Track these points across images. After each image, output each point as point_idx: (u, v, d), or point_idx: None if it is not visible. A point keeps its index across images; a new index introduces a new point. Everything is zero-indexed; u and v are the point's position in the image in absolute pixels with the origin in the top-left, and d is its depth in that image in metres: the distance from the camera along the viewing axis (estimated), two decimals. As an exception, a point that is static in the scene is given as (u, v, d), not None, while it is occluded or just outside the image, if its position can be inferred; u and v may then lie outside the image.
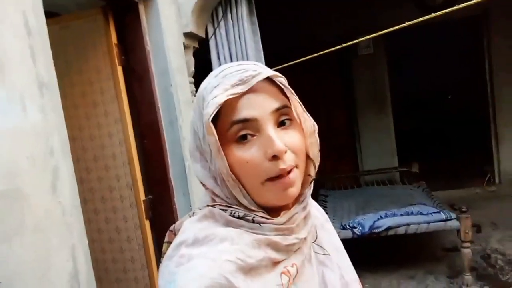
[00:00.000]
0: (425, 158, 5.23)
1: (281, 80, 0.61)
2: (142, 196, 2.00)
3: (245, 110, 0.58)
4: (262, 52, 2.52)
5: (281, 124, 0.60)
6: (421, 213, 3.00)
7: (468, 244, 2.84)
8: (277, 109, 0.59)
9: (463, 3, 1.81)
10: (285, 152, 0.58)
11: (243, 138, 0.58)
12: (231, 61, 2.46)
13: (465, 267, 2.87)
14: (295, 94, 0.62)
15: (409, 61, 6.64)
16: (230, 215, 0.60)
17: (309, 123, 0.63)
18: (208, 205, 0.62)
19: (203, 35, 2.44)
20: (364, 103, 5.19)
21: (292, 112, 0.61)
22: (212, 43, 2.48)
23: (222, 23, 2.45)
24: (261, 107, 0.58)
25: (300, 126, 0.62)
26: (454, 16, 4.27)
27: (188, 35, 2.23)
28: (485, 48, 4.89)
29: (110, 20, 1.95)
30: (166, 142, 2.00)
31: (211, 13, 2.44)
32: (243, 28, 2.43)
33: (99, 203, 2.10)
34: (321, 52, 2.41)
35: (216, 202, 0.62)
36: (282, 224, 0.60)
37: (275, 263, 0.59)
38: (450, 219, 2.93)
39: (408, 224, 2.94)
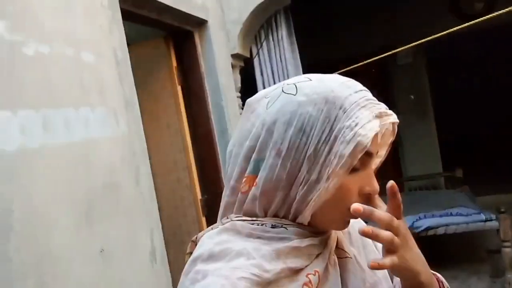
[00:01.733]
0: (471, 164, 5.23)
1: (396, 128, 0.62)
2: (199, 196, 2.33)
3: (371, 145, 0.55)
4: (300, 68, 2.80)
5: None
6: (461, 214, 3.11)
7: (508, 244, 2.91)
8: (376, 152, 0.60)
9: (500, 9, 1.90)
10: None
11: (356, 169, 0.56)
12: (273, 78, 2.76)
13: (507, 266, 2.93)
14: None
15: (453, 68, 6.63)
16: (256, 225, 0.58)
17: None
18: (232, 220, 0.60)
19: (248, 55, 2.77)
20: (405, 111, 5.29)
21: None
22: (256, 62, 2.80)
23: (264, 44, 2.77)
24: (375, 145, 0.58)
25: None
26: (494, 23, 4.34)
27: (235, 56, 2.56)
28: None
29: (170, 47, 2.32)
30: (218, 148, 2.32)
31: (254, 35, 2.77)
32: (283, 48, 2.73)
33: (162, 202, 2.44)
34: (362, 63, 2.62)
35: (243, 210, 0.60)
36: (307, 231, 0.59)
37: (297, 271, 0.57)
38: (490, 220, 3.02)
39: (447, 225, 3.06)
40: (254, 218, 0.59)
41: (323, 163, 0.54)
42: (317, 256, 0.59)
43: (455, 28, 1.90)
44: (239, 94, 2.70)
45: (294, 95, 0.58)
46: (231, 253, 0.55)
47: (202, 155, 2.34)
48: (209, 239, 0.59)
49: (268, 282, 0.54)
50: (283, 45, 2.75)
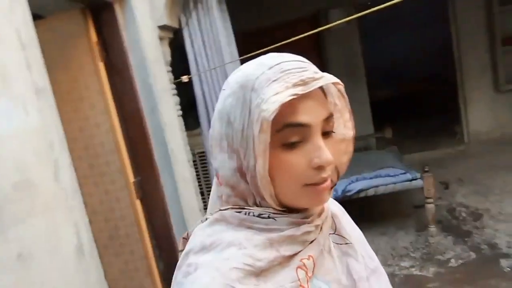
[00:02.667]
0: (399, 124, 5.53)
1: (341, 88, 0.60)
2: (132, 178, 2.24)
3: (301, 115, 0.54)
4: (233, 37, 2.71)
5: (324, 134, 0.57)
6: (389, 175, 3.29)
7: (431, 200, 3.14)
8: (327, 118, 0.57)
9: None
10: (331, 163, 0.56)
11: (292, 142, 0.55)
12: (204, 48, 2.66)
13: (430, 220, 3.18)
14: (348, 102, 0.62)
15: (380, 32, 6.84)
16: (244, 215, 0.58)
17: (349, 132, 0.63)
18: (220, 209, 0.60)
19: (177, 26, 2.62)
20: (339, 75, 5.37)
21: (333, 120, 0.60)
22: (185, 32, 2.67)
23: (193, 13, 2.63)
24: (315, 113, 0.56)
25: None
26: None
27: (162, 27, 2.41)
28: (450, 15, 5.11)
29: (89, 20, 2.12)
30: (149, 128, 2.22)
31: (182, 4, 2.62)
32: (214, 17, 2.61)
33: (92, 188, 2.32)
34: (296, 37, 2.58)
35: (229, 203, 0.60)
36: (298, 219, 0.59)
37: (290, 257, 0.57)
38: (416, 179, 3.22)
39: (377, 186, 3.24)
40: (241, 206, 0.59)
41: (252, 147, 0.55)
42: (311, 242, 0.59)
43: (395, 1, 1.91)
44: (169, 68, 2.57)
45: (224, 90, 0.60)
46: (222, 244, 0.56)
47: (131, 135, 2.22)
48: (200, 231, 0.60)
49: (261, 270, 0.54)
50: (214, 14, 2.63)
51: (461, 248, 2.97)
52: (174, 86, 2.53)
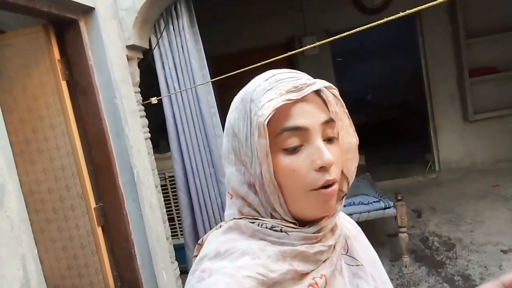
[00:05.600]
0: (371, 151, 5.56)
1: (335, 92, 0.61)
2: (93, 204, 2.09)
3: (298, 118, 0.57)
4: (205, 60, 2.65)
5: (326, 139, 0.59)
6: (363, 203, 3.24)
7: (404, 229, 3.10)
8: (326, 122, 0.59)
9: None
10: (333, 164, 0.57)
11: (293, 147, 0.57)
12: (176, 70, 2.58)
13: (404, 250, 3.13)
14: (345, 107, 0.63)
15: (353, 60, 6.98)
16: (257, 226, 0.59)
17: (352, 139, 0.64)
18: (234, 218, 0.61)
19: (147, 46, 2.55)
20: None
21: (335, 127, 0.61)
22: (156, 53, 2.59)
23: (164, 34, 2.56)
24: (312, 117, 0.58)
25: (338, 141, 0.62)
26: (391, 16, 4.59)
27: (131, 47, 2.33)
28: (420, 46, 5.25)
29: (52, 37, 2.01)
30: (114, 151, 2.10)
31: (153, 25, 2.55)
32: (185, 39, 2.55)
33: (50, 213, 2.16)
34: (270, 60, 2.55)
35: (243, 214, 0.61)
36: (310, 234, 0.59)
37: (303, 275, 0.57)
38: (389, 207, 3.18)
39: (350, 214, 3.15)
40: (255, 216, 0.60)
41: (256, 154, 0.57)
42: (324, 261, 0.60)
43: (365, 27, 1.91)
44: (138, 89, 2.47)
45: (230, 109, 0.64)
46: (237, 252, 0.57)
47: (94, 158, 2.09)
48: (215, 238, 0.61)
49: (274, 282, 0.54)
50: (185, 35, 2.57)
51: (435, 279, 2.92)
52: (142, 108, 2.43)
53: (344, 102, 0.63)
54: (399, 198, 3.13)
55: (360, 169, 4.93)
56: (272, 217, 0.60)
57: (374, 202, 3.25)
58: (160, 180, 3.04)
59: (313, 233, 0.59)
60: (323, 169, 0.56)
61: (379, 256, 0.70)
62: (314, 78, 0.62)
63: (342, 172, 0.63)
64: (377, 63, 7.22)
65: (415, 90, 5.77)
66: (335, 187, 0.58)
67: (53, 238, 2.18)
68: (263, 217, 0.60)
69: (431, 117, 5.34)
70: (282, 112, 0.56)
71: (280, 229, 0.58)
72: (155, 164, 2.49)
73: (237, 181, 0.61)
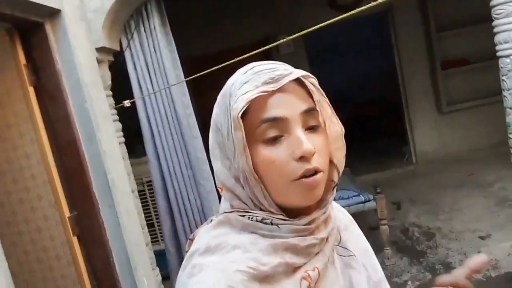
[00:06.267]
0: (349, 146, 5.58)
1: (313, 81, 0.61)
2: (67, 213, 2.02)
3: (275, 109, 0.57)
4: (178, 61, 2.60)
5: (308, 129, 0.59)
6: (343, 198, 3.25)
7: (385, 221, 3.13)
8: (306, 111, 0.58)
9: (368, 2, 1.94)
10: (313, 153, 0.57)
11: (272, 137, 0.57)
12: (148, 72, 2.52)
13: (385, 242, 3.16)
14: (325, 96, 0.62)
15: (327, 57, 7.03)
16: (247, 219, 0.59)
17: (336, 127, 0.63)
18: (225, 212, 0.61)
19: (118, 48, 2.48)
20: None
21: (319, 116, 0.60)
22: (127, 55, 2.53)
23: (135, 35, 2.50)
24: (291, 107, 0.57)
25: (325, 130, 0.61)
26: (363, 13, 4.64)
27: (100, 49, 2.26)
28: (393, 42, 5.32)
29: (16, 41, 1.94)
30: (86, 157, 2.03)
31: (123, 26, 2.49)
32: (157, 39, 2.50)
33: (22, 225, 2.08)
34: (245, 55, 2.52)
35: (234, 207, 0.61)
36: (301, 226, 0.59)
37: (296, 268, 0.57)
38: (369, 201, 3.21)
39: (332, 210, 3.18)
40: (245, 210, 0.60)
41: (233, 149, 0.57)
42: (317, 253, 0.59)
43: (330, 21, 1.90)
44: (110, 92, 2.41)
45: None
46: (227, 246, 0.56)
47: (66, 166, 2.02)
48: (206, 232, 0.61)
49: (265, 275, 0.54)
50: (157, 36, 2.51)
51: (416, 269, 2.95)
52: (115, 111, 2.37)
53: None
54: (378, 191, 3.15)
55: (339, 165, 4.97)
56: (261, 209, 0.59)
57: (354, 196, 3.27)
58: (138, 185, 2.97)
59: (304, 225, 0.59)
60: (303, 158, 0.56)
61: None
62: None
63: (332, 162, 0.63)
64: (353, 61, 7.28)
65: (390, 85, 5.84)
66: (318, 176, 0.57)
67: (26, 250, 2.10)
68: (252, 210, 0.59)
69: (406, 111, 5.43)
70: (259, 104, 0.56)
71: (271, 222, 0.58)
72: (131, 168, 2.43)
73: (223, 175, 0.61)
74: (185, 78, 2.56)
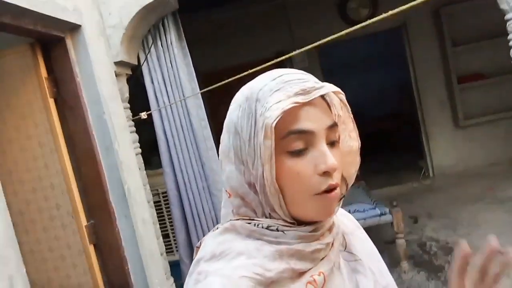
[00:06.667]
0: (365, 160, 5.54)
1: (342, 97, 0.61)
2: (84, 222, 2.06)
3: (304, 122, 0.56)
4: (194, 74, 2.66)
5: (329, 143, 0.58)
6: (358, 211, 3.23)
7: (401, 235, 3.08)
8: (331, 126, 0.59)
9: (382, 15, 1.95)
10: (336, 169, 0.57)
11: (298, 150, 0.56)
12: (165, 85, 2.59)
13: (402, 256, 3.11)
14: (350, 112, 0.63)
15: (342, 71, 7.05)
16: (253, 226, 0.59)
17: (353, 143, 0.64)
18: (231, 220, 0.61)
19: (135, 62, 2.55)
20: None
21: (337, 131, 0.60)
22: (145, 69, 2.60)
23: (152, 50, 2.57)
24: (318, 121, 0.57)
25: (339, 145, 0.61)
26: (378, 29, 4.67)
27: (119, 63, 2.34)
28: (408, 57, 5.32)
29: (38, 55, 2.02)
30: (104, 168, 2.08)
31: (141, 40, 2.56)
32: (173, 54, 2.57)
33: (41, 233, 2.13)
34: (258, 67, 2.56)
35: (239, 214, 0.61)
36: (307, 232, 0.59)
37: (301, 273, 0.57)
38: (385, 214, 3.17)
39: (347, 223, 3.16)
40: (251, 217, 0.60)
41: (259, 155, 0.55)
42: (322, 258, 0.60)
43: (341, 33, 1.92)
44: (127, 105, 2.47)
45: (231, 106, 0.62)
46: (232, 253, 0.57)
47: (84, 176, 2.07)
48: (211, 239, 0.61)
49: (271, 281, 0.54)
50: (173, 50, 2.58)
51: (434, 284, 2.89)
52: (132, 123, 2.43)
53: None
54: (394, 204, 3.12)
55: (356, 178, 4.93)
56: (270, 217, 0.59)
57: (369, 209, 3.24)
58: (153, 196, 3.01)
59: (310, 232, 0.59)
60: (326, 173, 0.56)
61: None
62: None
63: (342, 175, 0.63)
64: (368, 76, 7.28)
65: (406, 99, 5.82)
66: (337, 191, 0.58)
67: (44, 258, 2.14)
68: (259, 218, 0.60)
69: (423, 125, 5.38)
70: (288, 115, 0.55)
71: (277, 229, 0.58)
72: (147, 179, 2.47)
73: (237, 180, 0.60)
74: (200, 91, 2.61)
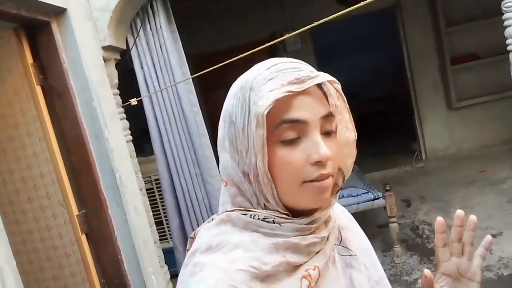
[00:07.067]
0: (359, 143, 5.53)
1: (337, 86, 0.61)
2: (75, 211, 2.03)
3: (297, 111, 0.56)
4: (184, 58, 2.59)
5: (324, 133, 0.58)
6: (352, 195, 3.23)
7: (394, 219, 3.10)
8: (325, 116, 0.58)
9: None
10: (329, 159, 0.57)
11: (291, 139, 0.56)
12: (155, 70, 2.52)
13: (395, 240, 3.13)
14: (346, 102, 0.62)
15: (335, 54, 6.98)
16: (249, 218, 0.58)
17: (350, 134, 0.63)
18: (227, 210, 0.61)
19: (124, 47, 2.48)
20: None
21: (334, 122, 0.60)
22: (134, 53, 2.53)
23: (141, 34, 2.50)
24: (312, 110, 0.57)
25: (336, 136, 0.61)
26: (371, 8, 4.59)
27: (107, 48, 2.27)
28: (401, 37, 5.26)
29: (23, 40, 1.95)
30: (94, 156, 2.04)
31: (129, 24, 2.49)
32: (163, 37, 2.50)
33: (32, 223, 2.10)
34: (251, 51, 2.51)
35: (235, 204, 0.61)
36: (303, 225, 0.59)
37: (296, 266, 0.57)
38: (378, 198, 3.17)
39: (340, 207, 3.16)
40: (247, 208, 0.59)
41: (252, 144, 0.55)
42: (317, 252, 0.59)
43: (336, 14, 1.86)
44: (116, 91, 2.41)
45: (228, 95, 0.62)
46: (229, 245, 0.56)
47: (74, 164, 2.03)
48: (207, 231, 0.60)
49: (267, 274, 0.54)
50: (163, 34, 2.51)
51: (427, 267, 2.91)
52: (122, 110, 2.37)
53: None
54: (387, 188, 3.12)
55: (348, 162, 4.93)
56: (265, 207, 0.59)
57: (363, 193, 3.24)
58: (146, 184, 2.98)
59: (306, 224, 0.59)
60: (319, 163, 0.56)
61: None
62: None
63: (339, 167, 0.63)
64: (361, 57, 7.24)
65: (399, 81, 5.79)
66: (329, 180, 0.58)
67: (36, 248, 2.12)
68: (255, 208, 0.59)
69: (416, 107, 5.36)
70: (281, 104, 0.55)
71: (273, 220, 0.58)
72: (139, 166, 2.43)
73: (232, 169, 0.60)
74: (191, 75, 2.56)
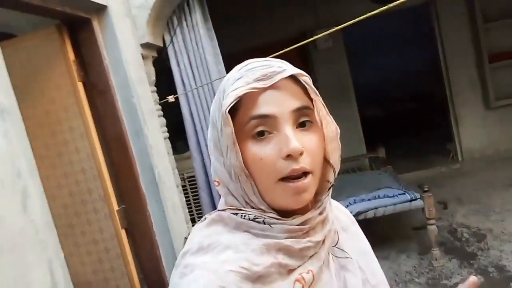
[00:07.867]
0: (391, 143, 5.43)
1: (306, 79, 0.60)
2: (115, 207, 2.05)
3: (264, 106, 0.56)
4: (220, 56, 2.59)
5: (300, 125, 0.57)
6: (388, 196, 3.15)
7: (433, 221, 3.00)
8: (298, 109, 0.57)
9: None
10: (301, 153, 0.55)
11: (260, 134, 0.56)
12: (191, 67, 2.53)
13: (433, 242, 3.03)
14: (319, 95, 0.60)
15: (367, 52, 6.85)
16: (240, 218, 0.58)
17: (331, 127, 0.62)
18: (218, 210, 0.61)
19: (161, 44, 2.50)
20: (328, 95, 5.33)
21: (314, 114, 0.59)
22: (170, 51, 2.54)
23: (178, 31, 2.51)
24: (281, 104, 0.56)
25: (320, 130, 0.60)
26: (405, 5, 4.48)
27: (145, 45, 2.28)
28: (436, 34, 5.11)
29: (65, 37, 1.99)
30: (134, 152, 2.06)
31: (166, 22, 2.50)
32: (199, 35, 2.50)
33: (73, 218, 2.13)
34: (282, 51, 2.48)
35: (228, 203, 0.61)
36: (295, 226, 0.58)
37: (290, 270, 0.57)
38: (415, 199, 3.08)
39: (376, 208, 3.08)
40: (238, 208, 0.59)
41: (225, 145, 0.57)
42: (312, 256, 0.59)
43: (369, 14, 1.81)
44: (154, 88, 2.43)
45: None
46: (220, 246, 0.56)
47: (114, 160, 2.05)
48: (199, 231, 0.60)
49: (258, 275, 0.54)
50: (199, 32, 2.52)
51: (467, 272, 2.81)
52: (159, 107, 2.39)
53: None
54: (425, 189, 3.02)
55: (381, 162, 4.83)
56: (252, 207, 0.59)
57: (399, 194, 3.16)
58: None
59: (298, 225, 0.58)
60: (290, 157, 0.55)
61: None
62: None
63: (328, 162, 0.62)
64: (394, 55, 7.07)
65: (433, 79, 5.62)
66: (306, 180, 0.56)
67: (77, 242, 2.15)
68: (244, 207, 0.59)
69: (451, 106, 5.19)
70: (250, 101, 0.56)
71: (263, 221, 0.57)
72: (175, 163, 2.44)
73: (218, 171, 0.60)
74: (226, 73, 2.55)
